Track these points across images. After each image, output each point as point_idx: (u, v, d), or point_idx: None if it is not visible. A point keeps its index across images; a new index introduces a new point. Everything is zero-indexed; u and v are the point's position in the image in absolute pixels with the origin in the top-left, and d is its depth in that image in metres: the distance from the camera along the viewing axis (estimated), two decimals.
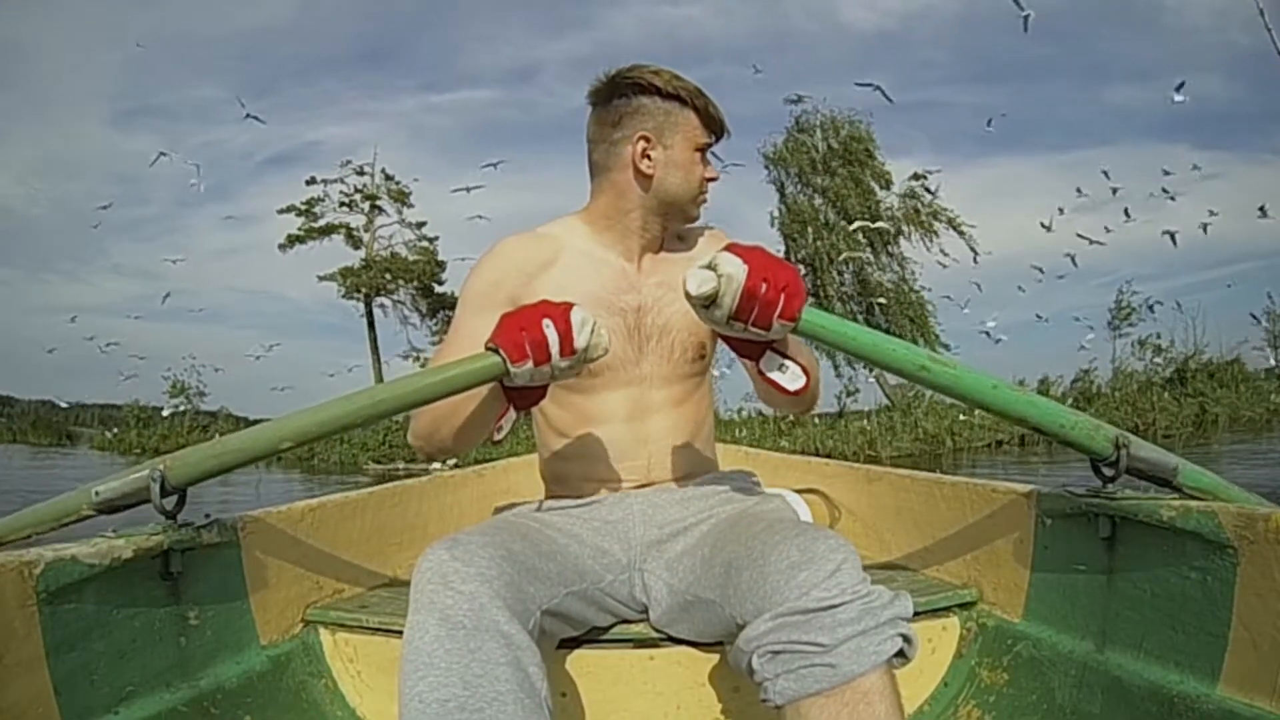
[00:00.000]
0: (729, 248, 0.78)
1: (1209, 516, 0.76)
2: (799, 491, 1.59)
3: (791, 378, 0.86)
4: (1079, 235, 12.33)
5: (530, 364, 0.79)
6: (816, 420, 11.97)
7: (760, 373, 0.86)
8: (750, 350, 0.86)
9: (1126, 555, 0.87)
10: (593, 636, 0.95)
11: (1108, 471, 0.87)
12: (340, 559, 1.17)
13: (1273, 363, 12.11)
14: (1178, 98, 10.37)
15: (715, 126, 1.01)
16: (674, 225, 1.04)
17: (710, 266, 0.77)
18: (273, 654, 0.99)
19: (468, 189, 15.39)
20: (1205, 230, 11.48)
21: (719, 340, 1.03)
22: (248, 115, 15.01)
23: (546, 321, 0.79)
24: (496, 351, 0.80)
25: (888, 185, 14.14)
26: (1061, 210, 12.85)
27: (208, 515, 0.95)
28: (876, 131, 14.05)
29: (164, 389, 15.44)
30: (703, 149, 1.00)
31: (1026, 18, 10.03)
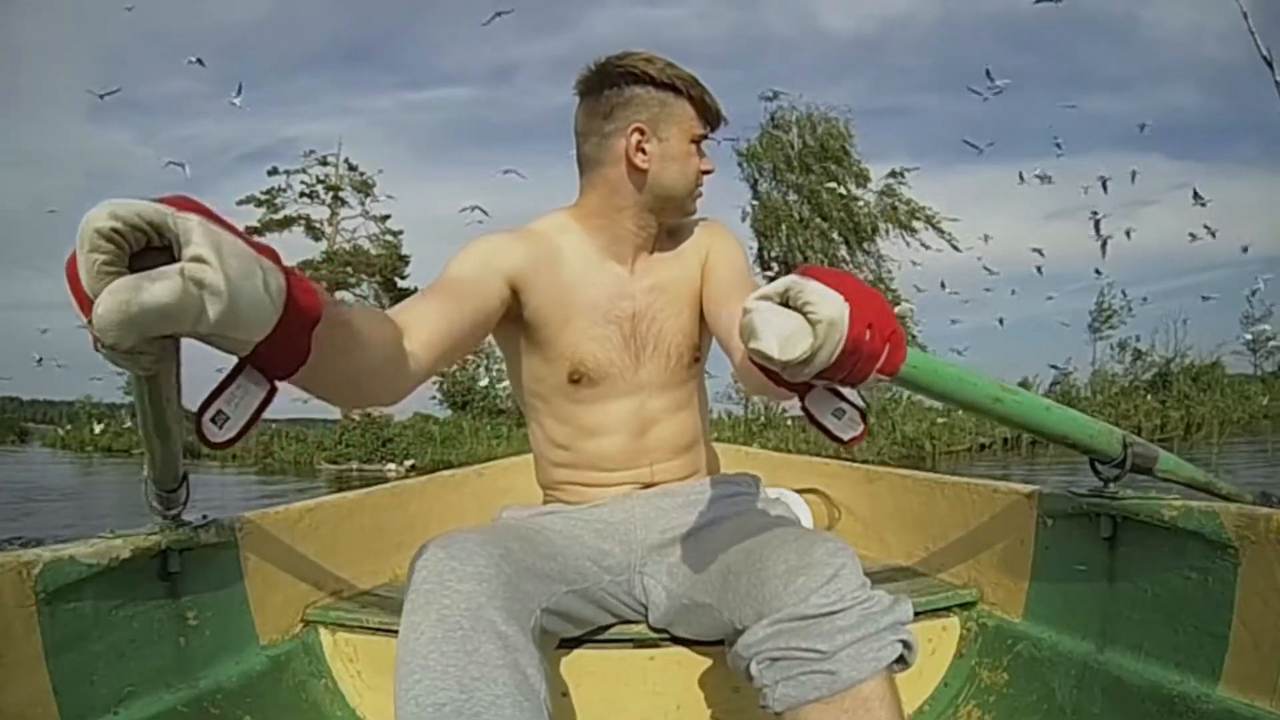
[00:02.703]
0: (809, 273, 0.55)
1: (1210, 516, 0.77)
2: (799, 491, 1.59)
3: (848, 424, 0.67)
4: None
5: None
6: (790, 422, 11.92)
7: (807, 413, 0.68)
8: (798, 386, 0.65)
9: (1127, 555, 0.88)
10: (593, 636, 0.95)
11: (1110, 471, 0.87)
12: (340, 559, 1.15)
13: (1251, 367, 12.37)
14: (989, 85, 11.11)
15: (711, 117, 0.96)
16: (668, 221, 1.00)
17: (796, 306, 0.54)
18: (272, 654, 0.98)
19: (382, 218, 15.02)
20: (1213, 234, 11.83)
21: (714, 340, 1.00)
22: (103, 95, 13.62)
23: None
24: None
25: (864, 183, 14.15)
26: (1022, 177, 13.10)
27: (205, 515, 0.94)
28: (854, 135, 14.09)
29: (119, 385, 15.24)
30: (698, 140, 0.95)
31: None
